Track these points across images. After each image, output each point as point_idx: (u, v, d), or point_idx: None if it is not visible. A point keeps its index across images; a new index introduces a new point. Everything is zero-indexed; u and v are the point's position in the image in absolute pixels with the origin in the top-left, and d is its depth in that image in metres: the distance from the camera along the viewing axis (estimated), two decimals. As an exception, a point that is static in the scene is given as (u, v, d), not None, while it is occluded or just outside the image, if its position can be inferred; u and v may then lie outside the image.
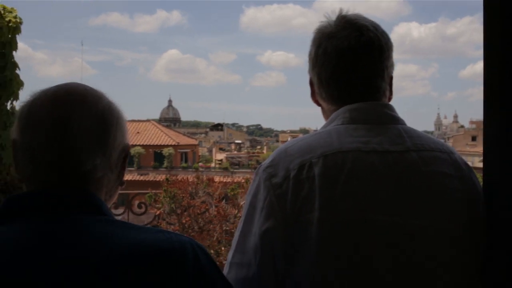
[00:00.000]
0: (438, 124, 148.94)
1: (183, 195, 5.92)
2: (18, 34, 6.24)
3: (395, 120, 1.33)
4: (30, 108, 1.05)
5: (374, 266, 1.17)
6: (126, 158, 1.14)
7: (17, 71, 6.30)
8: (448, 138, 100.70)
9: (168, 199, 5.79)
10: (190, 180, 6.84)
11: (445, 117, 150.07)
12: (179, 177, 7.34)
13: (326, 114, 1.44)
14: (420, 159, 1.24)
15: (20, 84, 6.30)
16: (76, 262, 0.92)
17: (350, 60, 1.34)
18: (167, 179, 6.33)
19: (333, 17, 1.40)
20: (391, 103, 1.41)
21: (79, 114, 1.04)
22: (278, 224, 1.19)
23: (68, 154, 1.02)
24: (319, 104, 1.47)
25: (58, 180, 1.02)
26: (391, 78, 1.43)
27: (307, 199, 1.18)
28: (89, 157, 1.03)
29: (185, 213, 5.86)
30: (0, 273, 0.90)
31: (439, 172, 1.25)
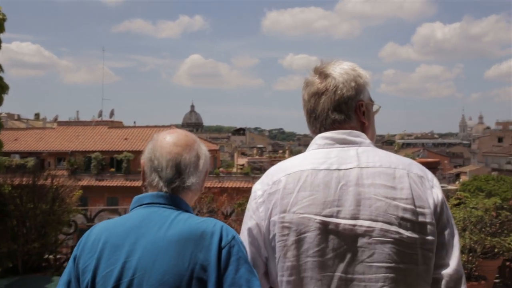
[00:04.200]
0: (463, 125, 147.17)
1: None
2: (2, 32, 5.59)
3: (354, 143, 1.74)
4: (155, 146, 1.82)
5: (309, 250, 1.61)
6: (206, 175, 1.90)
7: (1, 74, 5.62)
8: (474, 140, 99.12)
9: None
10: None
11: (470, 119, 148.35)
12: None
13: None
14: (364, 174, 1.65)
15: (4, 88, 5.63)
16: (156, 233, 1.67)
17: (314, 101, 1.81)
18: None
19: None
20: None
21: (184, 153, 1.81)
22: (257, 223, 1.72)
23: (179, 176, 1.78)
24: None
25: (166, 189, 1.78)
26: (357, 107, 1.80)
27: (275, 205, 1.68)
28: (189, 177, 1.80)
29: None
30: (115, 237, 1.69)
31: (377, 183, 1.63)
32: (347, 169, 1.65)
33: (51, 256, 5.91)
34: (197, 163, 1.82)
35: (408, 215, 1.59)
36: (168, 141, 1.82)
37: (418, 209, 1.60)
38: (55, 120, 57.76)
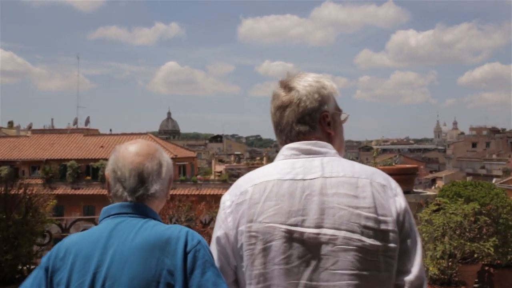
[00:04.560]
0: (438, 131, 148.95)
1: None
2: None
3: (319, 154, 1.79)
4: (117, 157, 1.86)
5: (275, 258, 1.66)
6: (170, 182, 1.97)
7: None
8: (449, 145, 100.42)
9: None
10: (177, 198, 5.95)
11: (445, 124, 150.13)
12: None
13: None
14: (328, 184, 1.70)
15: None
16: (124, 242, 1.71)
17: (279, 114, 1.88)
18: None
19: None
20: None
21: (147, 162, 1.85)
22: (225, 233, 1.76)
23: (142, 184, 1.83)
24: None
25: (131, 199, 1.82)
26: (321, 118, 1.85)
27: (242, 215, 1.73)
28: (153, 185, 1.85)
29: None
30: (84, 249, 1.72)
31: (340, 193, 1.68)
32: (312, 179, 1.71)
33: (24, 268, 5.76)
34: (160, 171, 1.88)
35: (370, 223, 1.65)
36: (130, 151, 1.87)
37: (380, 217, 1.66)
38: (29, 128, 56.83)
